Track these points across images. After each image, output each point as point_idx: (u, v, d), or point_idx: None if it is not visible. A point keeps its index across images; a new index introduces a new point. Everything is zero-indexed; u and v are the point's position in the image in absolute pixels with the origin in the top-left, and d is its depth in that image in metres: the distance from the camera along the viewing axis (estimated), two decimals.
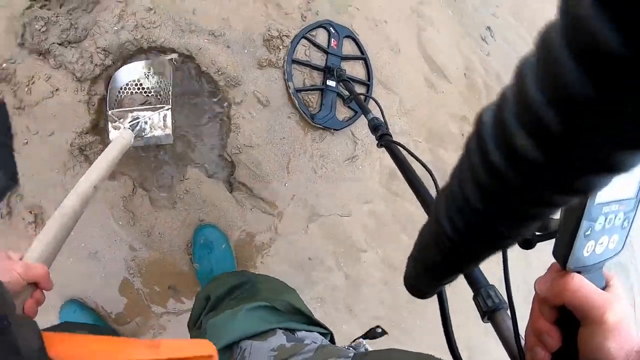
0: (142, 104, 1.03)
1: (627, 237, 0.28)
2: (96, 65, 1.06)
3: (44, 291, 0.44)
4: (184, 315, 1.09)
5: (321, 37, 1.16)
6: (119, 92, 1.03)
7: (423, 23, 1.32)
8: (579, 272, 0.27)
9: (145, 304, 1.10)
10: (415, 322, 1.29)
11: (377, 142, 0.72)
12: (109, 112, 1.00)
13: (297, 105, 1.07)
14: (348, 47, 1.19)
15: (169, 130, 1.00)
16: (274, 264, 1.06)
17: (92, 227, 1.04)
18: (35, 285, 0.43)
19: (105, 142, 1.09)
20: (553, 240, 0.28)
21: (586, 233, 0.26)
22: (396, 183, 1.20)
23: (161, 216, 1.04)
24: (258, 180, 1.03)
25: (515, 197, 0.14)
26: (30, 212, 1.05)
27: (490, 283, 0.39)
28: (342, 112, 1.16)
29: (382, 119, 0.76)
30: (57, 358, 0.24)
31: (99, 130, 1.08)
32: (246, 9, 1.12)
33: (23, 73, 1.04)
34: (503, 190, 0.14)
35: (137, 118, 0.99)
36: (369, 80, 1.19)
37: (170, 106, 1.01)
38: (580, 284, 0.26)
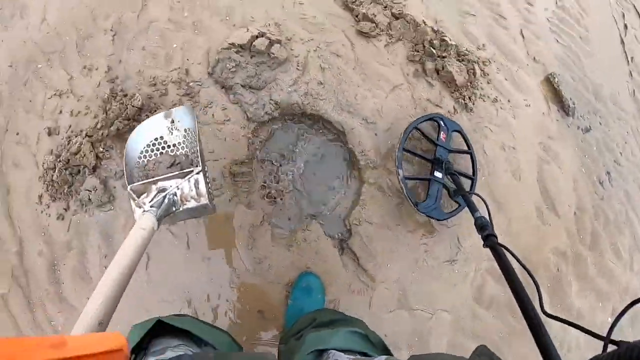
0: (170, 167, 0.85)
1: None
2: (266, 112, 1.31)
3: None
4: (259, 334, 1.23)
5: (431, 129, 1.29)
6: (140, 156, 0.85)
7: (547, 157, 1.41)
8: None
9: (232, 316, 1.27)
10: None
11: (483, 242, 0.73)
12: (128, 189, 0.80)
13: (404, 192, 1.12)
14: (456, 141, 1.27)
15: (204, 200, 0.79)
16: None
17: (217, 238, 1.25)
18: None
19: (253, 176, 1.32)
20: None
21: None
22: (483, 300, 1.26)
23: (276, 251, 1.23)
24: (366, 253, 1.18)
25: None
26: None
27: None
28: (447, 204, 1.25)
29: (488, 218, 0.78)
30: None
31: (248, 165, 1.32)
32: (397, 106, 1.33)
33: (205, 96, 1.32)
34: None
35: (164, 190, 0.77)
36: (473, 174, 1.23)
37: (200, 168, 0.80)
38: None
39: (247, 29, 1.38)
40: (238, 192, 1.25)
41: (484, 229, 0.75)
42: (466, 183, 1.24)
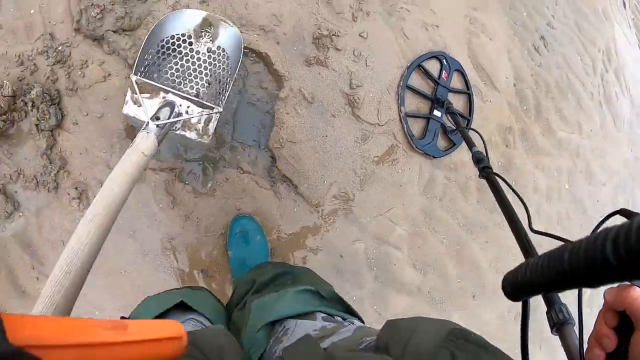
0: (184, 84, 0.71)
1: None
2: None
3: None
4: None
5: (434, 67, 1.21)
6: (159, 45, 0.71)
7: (475, 30, 1.28)
8: None
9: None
10: None
11: (479, 173, 0.77)
12: (133, 78, 0.66)
13: (405, 130, 1.15)
14: (456, 80, 1.25)
15: (207, 139, 0.70)
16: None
17: (133, 207, 1.08)
18: None
19: None
20: None
21: None
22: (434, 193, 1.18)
23: (200, 202, 1.07)
24: (297, 174, 1.04)
25: None
26: (76, 188, 1.10)
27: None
28: (442, 142, 1.22)
29: (484, 153, 0.81)
30: (17, 342, 0.21)
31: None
32: (297, 5, 1.13)
33: (78, 57, 1.08)
34: None
35: (172, 106, 0.65)
36: (470, 114, 1.25)
37: (221, 110, 0.68)
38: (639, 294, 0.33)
39: None
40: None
41: (481, 162, 0.79)
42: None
